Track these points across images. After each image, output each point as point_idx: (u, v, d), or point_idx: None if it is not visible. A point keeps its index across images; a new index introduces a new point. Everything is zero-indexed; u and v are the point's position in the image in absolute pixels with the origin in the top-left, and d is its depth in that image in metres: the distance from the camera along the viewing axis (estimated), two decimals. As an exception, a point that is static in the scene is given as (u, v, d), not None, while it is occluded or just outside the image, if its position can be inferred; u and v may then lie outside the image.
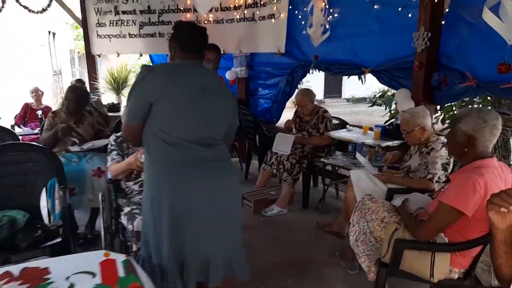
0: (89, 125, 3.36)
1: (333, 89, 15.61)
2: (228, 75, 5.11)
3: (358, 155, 2.79)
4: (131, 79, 5.65)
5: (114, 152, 2.36)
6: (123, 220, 2.22)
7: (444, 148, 2.51)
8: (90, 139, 3.31)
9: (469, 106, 5.70)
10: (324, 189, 3.77)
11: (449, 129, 1.88)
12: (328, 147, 3.85)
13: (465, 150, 1.76)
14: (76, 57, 15.53)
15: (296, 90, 4.39)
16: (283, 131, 3.95)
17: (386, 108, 7.21)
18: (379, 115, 8.61)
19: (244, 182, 4.57)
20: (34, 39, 10.66)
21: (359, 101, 14.71)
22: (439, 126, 7.84)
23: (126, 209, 2.26)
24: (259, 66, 5.07)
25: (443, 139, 2.59)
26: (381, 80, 3.53)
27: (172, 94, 1.64)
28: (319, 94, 15.15)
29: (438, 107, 4.50)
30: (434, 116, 6.52)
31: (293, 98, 4.31)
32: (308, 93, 3.77)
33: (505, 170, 1.79)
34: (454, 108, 6.12)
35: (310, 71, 4.43)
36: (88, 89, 5.73)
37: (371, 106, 7.38)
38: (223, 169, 1.80)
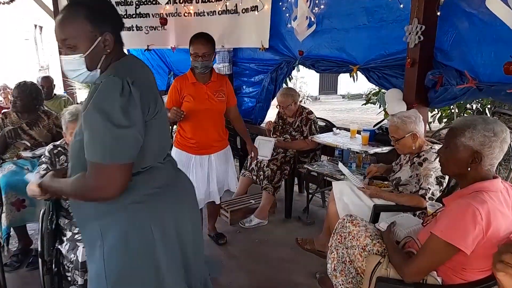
0: (45, 128, 3.02)
1: (328, 85, 15.26)
2: (210, 72, 4.76)
3: (341, 166, 2.46)
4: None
5: (43, 166, 2.01)
6: (63, 247, 1.88)
7: (439, 159, 2.18)
8: (46, 143, 2.97)
9: (467, 105, 5.40)
10: (308, 198, 3.44)
11: (444, 144, 1.54)
12: (313, 151, 3.52)
13: (468, 170, 1.43)
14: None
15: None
16: (264, 134, 3.62)
17: (380, 107, 6.90)
18: (375, 113, 8.29)
19: (225, 188, 4.24)
20: (18, 33, 10.27)
21: (355, 98, 14.39)
22: (435, 125, 7.57)
23: (68, 234, 1.92)
24: (243, 62, 4.72)
25: (437, 147, 2.25)
26: (370, 79, 3.19)
27: (155, 105, 1.24)
28: (314, 90, 14.83)
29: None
30: (430, 115, 6.24)
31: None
32: (290, 93, 3.43)
33: (511, 193, 1.47)
34: (451, 105, 5.80)
35: (296, 68, 4.07)
36: (62, 87, 5.39)
37: (365, 104, 7.05)
38: (184, 177, 1.49)
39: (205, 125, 2.54)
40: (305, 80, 13.69)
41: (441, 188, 2.19)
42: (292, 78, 8.52)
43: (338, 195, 2.44)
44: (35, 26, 11.21)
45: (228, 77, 4.79)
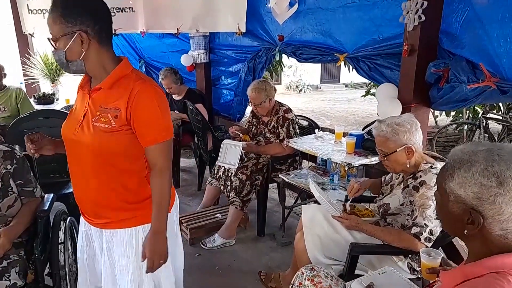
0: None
1: (330, 73, 14.48)
2: (184, 60, 4.18)
3: (312, 186, 1.88)
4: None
5: None
6: None
7: (440, 183, 1.60)
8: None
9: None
10: (284, 214, 2.87)
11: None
12: (291, 157, 2.94)
13: (464, 232, 0.87)
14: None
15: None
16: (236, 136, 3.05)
17: (381, 99, 6.27)
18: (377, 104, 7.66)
19: (197, 194, 3.70)
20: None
21: (358, 87, 13.66)
22: (442, 118, 6.90)
23: None
24: (220, 49, 4.13)
25: (440, 166, 1.67)
26: (359, 70, 2.60)
27: None
28: (315, 79, 14.10)
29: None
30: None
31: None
32: (264, 87, 2.83)
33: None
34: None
35: (276, 56, 3.48)
36: (21, 76, 4.84)
37: (364, 96, 6.42)
38: None
39: (81, 171, 1.35)
40: (305, 68, 13.00)
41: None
42: (288, 66, 7.87)
43: (309, 223, 1.88)
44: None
45: (204, 66, 4.27)
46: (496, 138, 4.92)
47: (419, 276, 1.72)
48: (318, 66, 13.77)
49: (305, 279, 1.36)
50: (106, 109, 1.27)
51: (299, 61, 3.17)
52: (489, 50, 1.73)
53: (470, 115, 5.73)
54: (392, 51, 2.34)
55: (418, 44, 2.02)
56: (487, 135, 4.86)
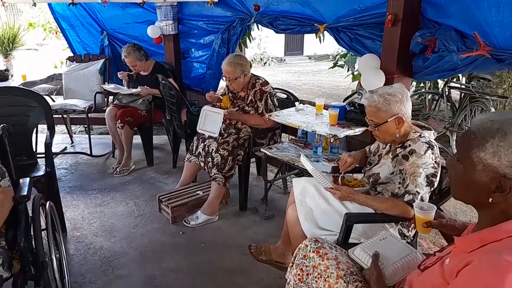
0: None
1: (294, 45, 14.43)
2: (151, 31, 3.95)
3: (303, 159, 1.88)
4: (24, 37, 4.31)
5: None
6: None
7: (430, 152, 1.64)
8: None
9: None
10: (266, 187, 2.87)
11: (456, 154, 0.98)
12: (271, 130, 2.92)
13: (489, 200, 0.89)
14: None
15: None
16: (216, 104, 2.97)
17: (348, 70, 6.35)
18: (342, 75, 7.74)
19: (172, 172, 3.61)
20: None
21: (322, 59, 13.77)
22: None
23: None
24: (190, 20, 3.95)
25: (428, 136, 1.72)
26: (340, 41, 2.57)
27: None
28: (279, 51, 14.00)
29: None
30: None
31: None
32: (239, 62, 2.74)
33: None
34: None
35: (254, 26, 3.38)
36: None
37: (332, 67, 6.47)
38: None
39: None
40: (269, 40, 12.84)
41: (431, 188, 1.67)
42: (253, 38, 7.80)
43: (300, 197, 1.89)
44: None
45: (173, 38, 4.07)
46: (457, 106, 5.15)
47: (408, 241, 1.80)
48: (281, 38, 13.64)
49: (309, 251, 1.37)
50: None
51: (276, 32, 3.09)
52: (478, 19, 1.75)
53: (431, 85, 5.96)
54: (374, 21, 2.33)
55: (402, 13, 2.02)
56: (449, 103, 5.07)
